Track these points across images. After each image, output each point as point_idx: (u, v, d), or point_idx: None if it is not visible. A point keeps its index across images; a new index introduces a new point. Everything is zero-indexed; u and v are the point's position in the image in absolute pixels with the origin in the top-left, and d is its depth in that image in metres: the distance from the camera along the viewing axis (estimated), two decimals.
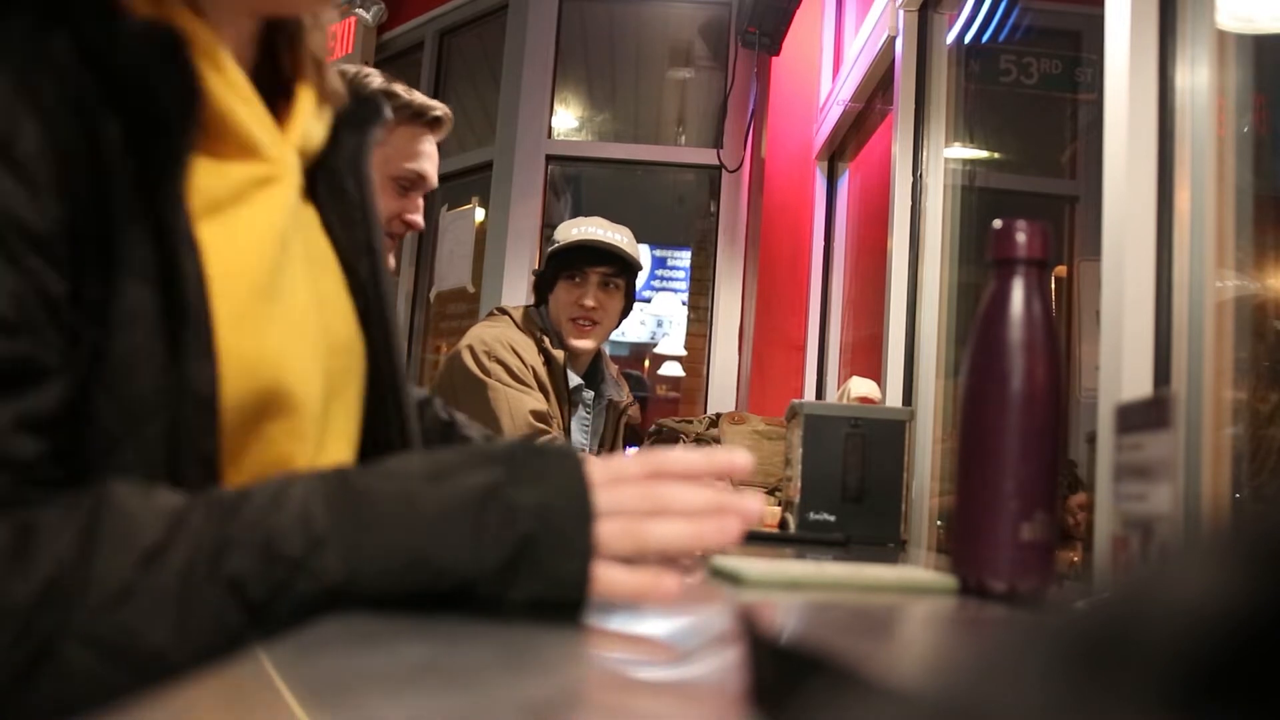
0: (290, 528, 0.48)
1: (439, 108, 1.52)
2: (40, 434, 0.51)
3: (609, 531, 0.53)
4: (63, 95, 0.54)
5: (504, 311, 2.15)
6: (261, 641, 0.41)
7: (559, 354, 2.04)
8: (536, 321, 2.10)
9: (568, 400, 2.07)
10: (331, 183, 0.76)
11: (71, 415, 0.53)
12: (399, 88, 1.48)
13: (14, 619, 0.44)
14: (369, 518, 0.49)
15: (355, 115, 0.78)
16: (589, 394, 2.13)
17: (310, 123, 0.72)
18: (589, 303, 2.06)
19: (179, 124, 0.58)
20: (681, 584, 0.57)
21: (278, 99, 0.71)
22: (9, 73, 0.52)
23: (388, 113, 0.81)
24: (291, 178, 0.69)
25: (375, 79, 1.47)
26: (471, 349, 1.96)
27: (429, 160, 1.52)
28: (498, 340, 1.97)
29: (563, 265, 2.08)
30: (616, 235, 2.13)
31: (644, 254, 3.78)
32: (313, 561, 0.47)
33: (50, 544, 0.46)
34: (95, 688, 0.44)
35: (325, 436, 0.69)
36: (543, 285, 2.15)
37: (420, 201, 1.54)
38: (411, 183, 1.49)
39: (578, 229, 2.12)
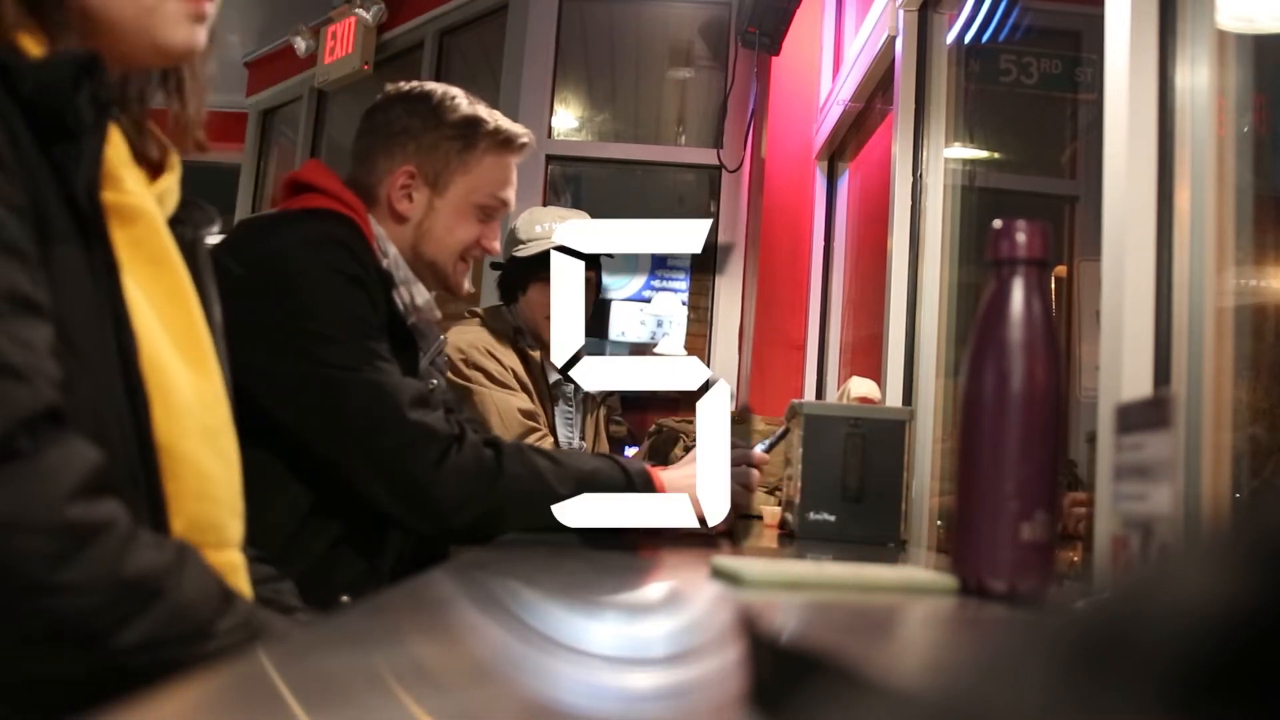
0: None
1: (525, 134, 1.48)
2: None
3: None
4: None
5: (474, 314, 2.12)
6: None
7: (535, 353, 2.03)
8: (509, 320, 2.07)
9: (549, 397, 2.06)
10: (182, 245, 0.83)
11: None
12: (483, 111, 1.45)
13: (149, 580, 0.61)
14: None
15: (195, 211, 0.85)
16: (569, 387, 2.11)
17: (173, 188, 0.81)
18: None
19: (92, 129, 0.68)
20: None
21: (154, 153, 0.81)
22: None
23: (216, 225, 0.88)
24: (158, 217, 0.77)
25: (462, 103, 1.45)
26: (448, 357, 1.95)
27: (512, 187, 1.48)
28: (473, 346, 1.95)
29: (533, 268, 2.04)
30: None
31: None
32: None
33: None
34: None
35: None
36: (511, 284, 2.11)
37: (498, 227, 1.51)
38: (494, 210, 1.47)
39: (540, 226, 2.09)
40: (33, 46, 0.69)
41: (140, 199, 0.74)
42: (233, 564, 0.77)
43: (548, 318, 2.02)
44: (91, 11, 0.72)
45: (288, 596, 0.93)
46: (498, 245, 1.50)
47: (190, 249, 0.81)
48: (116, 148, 0.73)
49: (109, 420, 0.67)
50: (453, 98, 1.44)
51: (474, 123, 1.43)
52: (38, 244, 0.64)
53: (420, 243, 1.40)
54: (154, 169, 0.80)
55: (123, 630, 0.59)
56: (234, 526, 0.77)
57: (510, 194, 1.47)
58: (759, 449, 1.46)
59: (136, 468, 0.69)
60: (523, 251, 2.06)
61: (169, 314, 0.74)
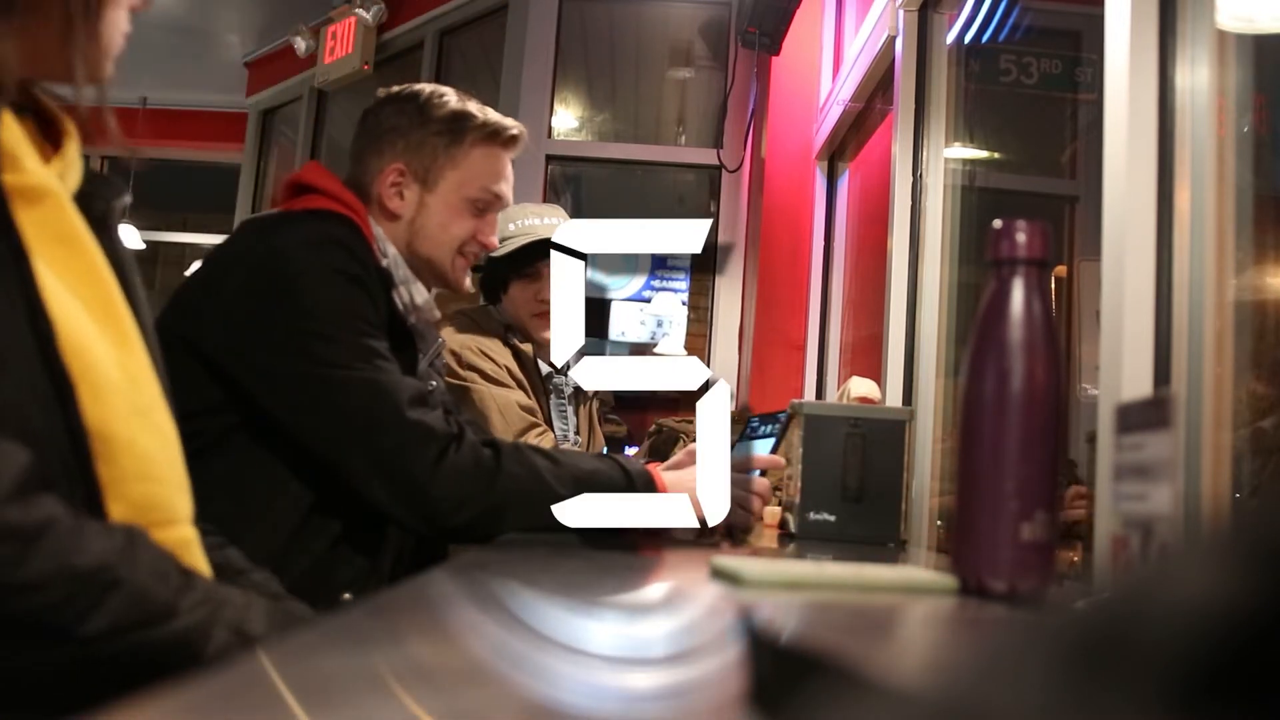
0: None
1: (514, 127, 1.46)
2: None
3: None
4: None
5: (464, 314, 2.12)
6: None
7: (526, 347, 2.03)
8: (497, 319, 2.07)
9: (543, 391, 2.06)
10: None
11: None
12: (472, 107, 1.45)
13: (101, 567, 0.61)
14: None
15: (101, 184, 0.83)
16: (560, 379, 2.11)
17: (74, 160, 0.79)
18: (548, 296, 2.03)
19: None
20: None
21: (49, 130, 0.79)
22: None
23: (127, 198, 0.86)
24: (63, 194, 0.75)
25: (450, 100, 1.44)
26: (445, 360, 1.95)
27: (505, 181, 1.47)
28: (465, 346, 1.95)
29: (511, 267, 2.04)
30: (554, 220, 2.08)
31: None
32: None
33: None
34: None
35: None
36: (493, 284, 2.11)
37: (495, 222, 1.49)
38: (488, 204, 1.46)
39: (515, 224, 2.08)
40: None
41: (42, 178, 0.72)
42: (184, 539, 0.76)
43: (535, 315, 2.01)
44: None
45: (235, 559, 0.93)
46: (495, 240, 1.48)
47: (101, 222, 0.79)
48: (9, 128, 0.71)
49: (32, 412, 0.67)
50: (440, 95, 1.45)
51: (460, 117, 1.43)
52: None
53: (415, 240, 1.40)
54: (52, 144, 0.78)
55: (86, 621, 0.59)
56: (181, 502, 0.77)
57: (503, 187, 1.46)
58: (762, 453, 1.44)
59: (68, 456, 0.69)
60: (500, 250, 2.05)
61: (85, 293, 0.73)
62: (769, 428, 1.46)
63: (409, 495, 1.16)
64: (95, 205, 0.79)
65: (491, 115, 1.45)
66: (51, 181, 0.73)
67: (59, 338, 0.68)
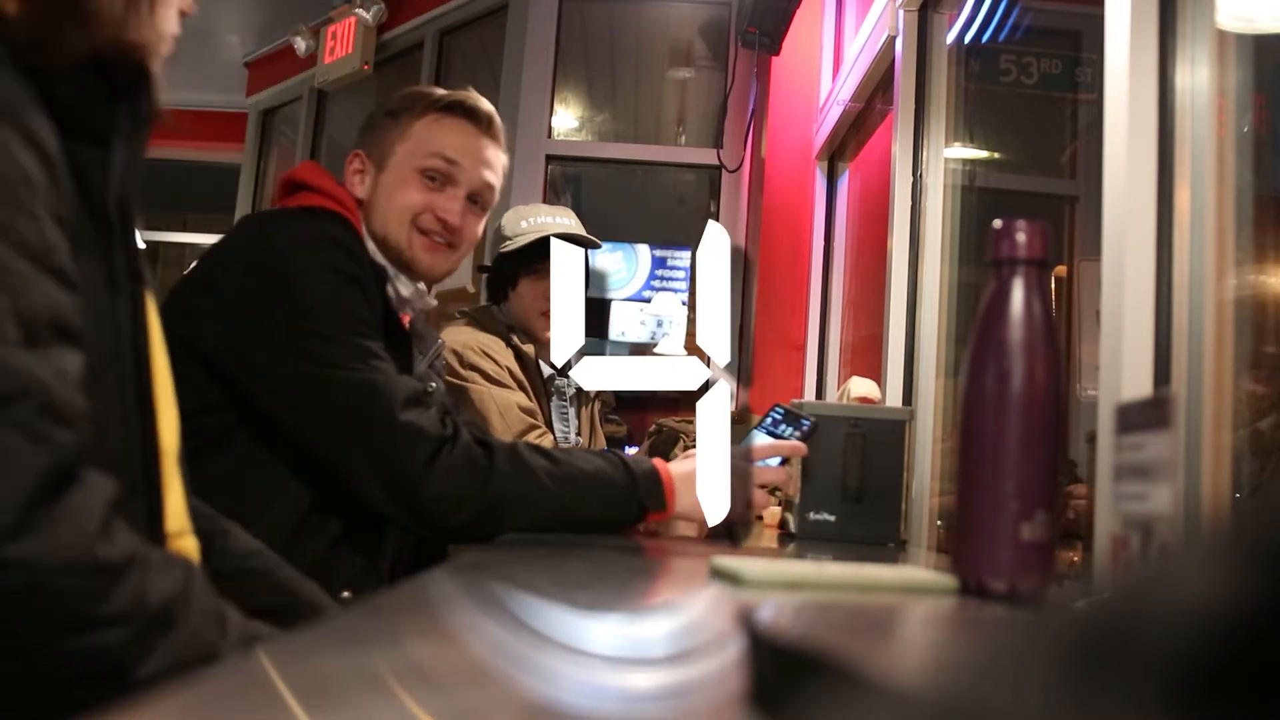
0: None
1: (470, 97, 1.44)
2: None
3: None
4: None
5: (466, 314, 2.12)
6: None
7: (529, 348, 2.03)
8: (500, 319, 2.07)
9: (544, 392, 2.05)
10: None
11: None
12: (432, 89, 1.47)
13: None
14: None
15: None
16: (562, 381, 2.11)
17: None
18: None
19: (127, 139, 0.70)
20: None
21: None
22: (22, 77, 0.63)
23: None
24: None
25: (415, 89, 1.46)
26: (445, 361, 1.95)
27: (453, 146, 1.41)
28: (468, 346, 1.95)
29: (522, 262, 2.04)
30: (567, 220, 2.09)
31: (644, 254, 3.79)
32: None
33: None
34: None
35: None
36: (500, 283, 2.10)
37: (457, 198, 1.42)
38: (442, 174, 1.40)
39: (526, 221, 2.08)
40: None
41: None
42: (193, 548, 0.78)
43: (542, 313, 2.01)
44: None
45: (247, 542, 0.94)
46: (455, 216, 1.42)
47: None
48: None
49: (119, 433, 0.68)
50: (410, 88, 1.47)
51: (412, 96, 1.45)
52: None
53: (371, 221, 1.39)
54: None
55: (146, 661, 0.59)
56: (182, 508, 0.78)
57: (455, 154, 1.42)
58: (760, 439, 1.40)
59: (139, 478, 0.70)
60: (509, 247, 2.06)
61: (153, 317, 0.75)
62: (789, 430, 1.41)
63: (402, 496, 1.16)
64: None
65: (443, 91, 1.46)
66: None
67: (153, 363, 0.71)
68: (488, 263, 2.18)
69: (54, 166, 0.62)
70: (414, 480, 1.14)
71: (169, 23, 0.76)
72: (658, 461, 1.26)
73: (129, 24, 0.70)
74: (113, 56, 0.69)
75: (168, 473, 0.73)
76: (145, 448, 0.70)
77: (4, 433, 0.54)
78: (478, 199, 1.46)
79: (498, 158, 1.48)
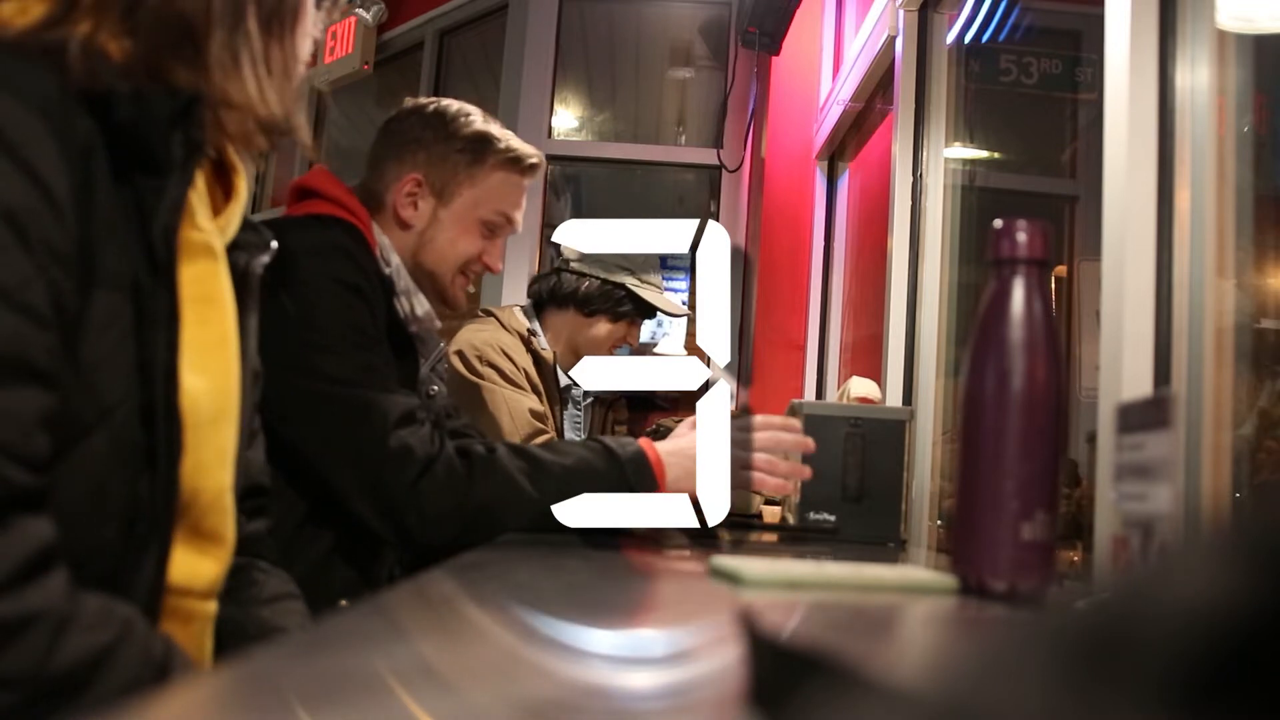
0: None
1: (535, 155, 1.51)
2: (50, 432, 0.58)
3: None
4: (73, 135, 0.63)
5: (489, 313, 2.12)
6: None
7: (547, 354, 2.04)
8: (524, 322, 2.08)
9: (559, 400, 2.06)
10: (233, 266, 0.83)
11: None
12: (495, 130, 1.47)
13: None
14: None
15: (251, 235, 0.84)
16: (578, 390, 2.12)
17: (237, 213, 0.81)
18: (635, 344, 2.13)
19: (179, 169, 0.68)
20: None
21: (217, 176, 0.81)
22: (37, 110, 0.61)
23: (273, 244, 0.86)
24: (222, 256, 0.77)
25: (475, 120, 1.46)
26: (462, 354, 1.95)
27: (519, 208, 1.50)
28: (487, 344, 1.96)
29: (617, 303, 2.08)
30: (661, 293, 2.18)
31: None
32: None
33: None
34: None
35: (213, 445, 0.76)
36: (563, 294, 2.12)
37: (501, 246, 1.52)
38: (498, 227, 1.47)
39: (650, 292, 2.11)
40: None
41: (210, 236, 0.74)
42: (210, 613, 0.76)
43: (574, 350, 2.05)
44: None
45: (288, 618, 0.90)
46: (500, 264, 1.51)
47: (242, 278, 0.80)
48: (194, 182, 0.73)
49: (120, 477, 0.65)
50: (467, 114, 1.47)
51: (485, 138, 1.46)
52: (82, 290, 0.62)
53: (421, 252, 1.42)
54: (222, 188, 0.80)
55: None
56: (230, 528, 0.76)
57: (517, 215, 1.50)
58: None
59: (158, 511, 0.67)
60: (591, 271, 2.09)
61: (209, 358, 0.73)
62: None
63: (390, 515, 1.18)
64: (240, 258, 0.81)
65: (514, 142, 1.49)
66: (216, 240, 0.75)
67: (182, 400, 0.69)
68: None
69: (54, 200, 0.60)
70: (400, 502, 1.16)
71: (301, 55, 0.78)
72: (644, 441, 1.25)
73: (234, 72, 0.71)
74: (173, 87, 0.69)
75: (189, 504, 0.70)
76: (167, 485, 0.67)
77: None
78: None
79: None
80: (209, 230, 0.74)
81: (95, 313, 0.63)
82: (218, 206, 0.79)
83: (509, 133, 1.50)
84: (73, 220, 0.61)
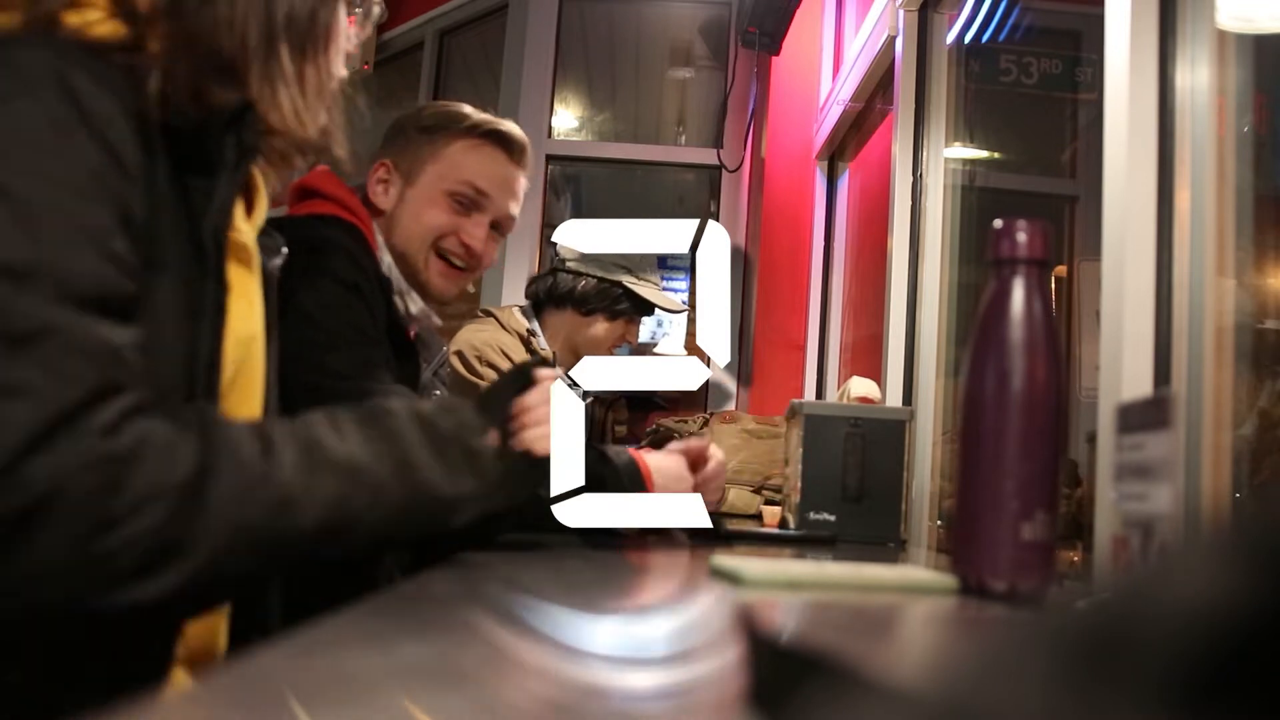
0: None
1: (509, 128, 1.43)
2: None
3: None
4: (144, 124, 0.67)
5: (489, 313, 2.13)
6: None
7: (547, 353, 2.04)
8: (524, 322, 2.08)
9: None
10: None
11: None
12: (469, 109, 1.45)
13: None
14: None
15: (266, 238, 0.87)
16: (578, 391, 2.12)
17: (261, 218, 0.85)
18: (635, 342, 2.12)
19: (231, 170, 0.72)
20: None
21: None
22: (112, 94, 0.64)
23: (279, 259, 0.89)
24: (257, 253, 0.81)
25: (451, 106, 1.45)
26: (461, 354, 1.95)
27: (491, 180, 1.42)
28: (487, 344, 1.97)
29: (614, 301, 2.08)
30: (660, 290, 2.19)
31: None
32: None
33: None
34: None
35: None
36: (561, 294, 2.12)
37: (482, 225, 1.42)
38: (470, 201, 1.41)
39: (647, 289, 2.11)
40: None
41: (247, 236, 0.77)
42: (217, 626, 0.76)
43: (573, 350, 2.04)
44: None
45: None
46: (479, 243, 1.42)
47: (268, 280, 0.83)
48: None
49: None
50: (445, 104, 1.46)
51: (449, 114, 1.44)
52: (147, 268, 0.65)
53: (391, 234, 1.39)
54: (244, 197, 0.82)
55: (198, 527, 0.58)
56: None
57: (487, 185, 1.42)
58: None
59: None
60: (612, 275, 2.10)
61: (241, 353, 0.76)
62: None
63: None
64: (264, 261, 0.84)
65: (484, 115, 1.45)
66: (252, 241, 0.78)
67: (221, 393, 0.72)
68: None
69: (128, 172, 0.63)
70: None
71: (335, 72, 0.82)
72: (634, 452, 1.25)
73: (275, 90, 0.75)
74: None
75: None
76: None
77: (26, 368, 0.55)
78: (499, 226, 1.47)
79: (523, 185, 1.49)
80: (245, 230, 0.77)
81: (159, 297, 0.65)
82: (247, 211, 0.82)
83: (488, 115, 1.47)
84: (143, 194, 0.64)
